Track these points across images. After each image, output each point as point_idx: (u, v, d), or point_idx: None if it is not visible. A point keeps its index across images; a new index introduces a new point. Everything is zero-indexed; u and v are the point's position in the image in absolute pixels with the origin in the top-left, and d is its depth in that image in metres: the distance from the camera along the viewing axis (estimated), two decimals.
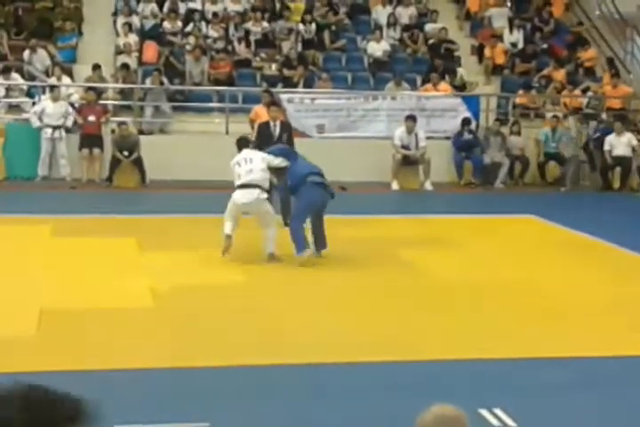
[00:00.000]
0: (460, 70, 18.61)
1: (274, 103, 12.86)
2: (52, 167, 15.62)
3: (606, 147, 16.75)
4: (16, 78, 16.52)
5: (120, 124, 15.80)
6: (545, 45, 20.12)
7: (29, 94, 16.60)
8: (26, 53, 17.21)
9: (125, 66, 17.18)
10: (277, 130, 12.38)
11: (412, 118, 15.95)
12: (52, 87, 16.01)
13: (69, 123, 15.60)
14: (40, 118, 15.43)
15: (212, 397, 5.95)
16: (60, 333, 7.15)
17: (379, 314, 7.93)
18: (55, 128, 15.41)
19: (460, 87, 18.27)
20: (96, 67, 16.92)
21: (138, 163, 15.38)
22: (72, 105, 16.26)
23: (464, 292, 8.79)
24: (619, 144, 16.66)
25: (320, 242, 10.09)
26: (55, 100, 15.60)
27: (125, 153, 15.32)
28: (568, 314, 8.15)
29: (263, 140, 11.96)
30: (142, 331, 7.29)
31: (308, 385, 6.24)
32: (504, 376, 6.49)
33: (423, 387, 6.19)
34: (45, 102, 15.64)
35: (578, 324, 7.84)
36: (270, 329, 7.37)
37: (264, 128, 12.47)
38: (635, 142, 16.74)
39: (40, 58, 17.29)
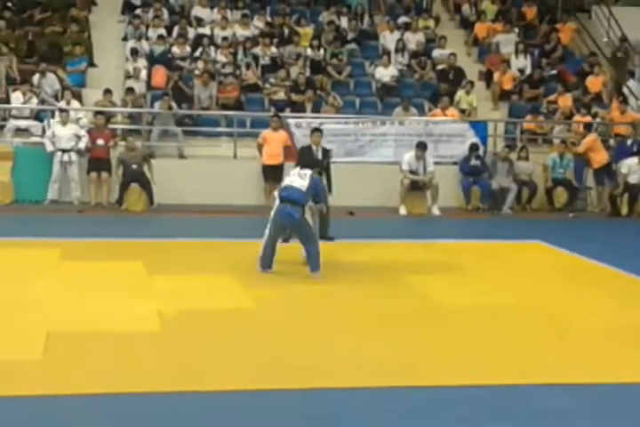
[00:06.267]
0: (459, 94, 18.65)
1: (317, 129, 13.35)
2: (60, 191, 15.67)
3: (624, 170, 16.67)
4: (18, 98, 16.60)
5: (125, 137, 15.91)
6: (554, 71, 20.19)
7: (38, 118, 16.67)
8: (35, 77, 17.33)
9: (131, 90, 17.28)
10: (319, 154, 12.80)
11: (422, 146, 15.94)
12: (61, 111, 16.09)
13: (82, 145, 15.63)
14: (53, 143, 15.51)
15: (217, 421, 5.91)
16: (66, 356, 7.11)
17: (385, 339, 7.88)
18: (65, 151, 15.47)
19: (463, 111, 18.33)
20: (107, 91, 17.02)
21: (146, 185, 15.37)
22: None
23: (471, 317, 8.74)
24: (636, 172, 16.58)
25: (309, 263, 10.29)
26: (64, 123, 15.67)
27: (134, 166, 15.33)
28: (576, 340, 8.09)
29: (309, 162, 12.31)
30: (149, 355, 7.24)
31: (315, 410, 6.19)
32: (510, 402, 6.43)
33: (429, 413, 6.15)
34: (55, 126, 15.73)
35: (586, 350, 7.77)
36: (277, 354, 7.32)
37: (307, 151, 12.86)
38: None
39: (49, 82, 17.40)
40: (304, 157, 12.64)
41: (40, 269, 10.21)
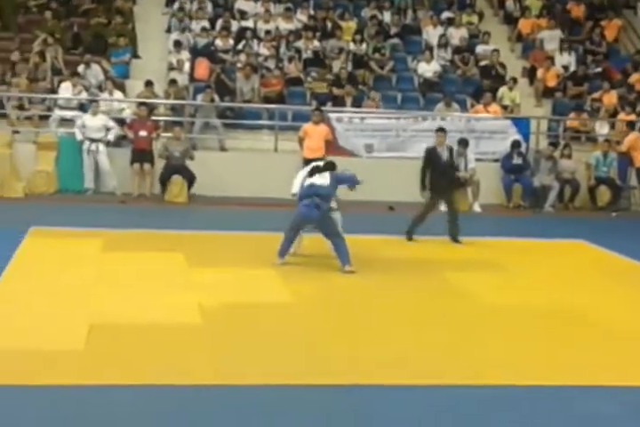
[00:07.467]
0: (502, 90, 18.51)
1: (441, 129, 13.10)
2: (99, 180, 15.82)
3: None
4: (67, 88, 16.76)
5: (174, 126, 16.07)
6: (599, 69, 19.97)
7: (83, 109, 16.80)
8: (80, 68, 17.45)
9: (174, 81, 17.36)
10: (445, 154, 12.62)
11: (464, 142, 15.83)
12: (92, 101, 16.21)
13: (111, 137, 15.80)
14: (83, 133, 15.68)
15: (257, 416, 5.93)
16: (108, 347, 7.17)
17: (426, 337, 7.87)
18: (93, 141, 15.60)
19: (505, 108, 18.21)
20: (149, 83, 17.10)
21: (188, 176, 15.45)
22: (123, 120, 16.46)
23: (512, 316, 8.70)
24: None
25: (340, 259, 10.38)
26: (95, 113, 15.80)
27: (177, 154, 15.42)
28: (619, 341, 8.01)
29: (433, 163, 12.52)
30: (190, 348, 7.29)
31: (352, 408, 6.17)
32: (551, 404, 6.38)
33: (468, 413, 6.13)
34: (85, 116, 15.89)
35: (629, 352, 7.69)
36: (317, 350, 7.33)
37: (432, 152, 12.68)
38: None
39: (94, 73, 17.53)
40: (431, 163, 12.55)
41: (83, 260, 10.30)
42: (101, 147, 15.69)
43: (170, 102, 17.26)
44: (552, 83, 19.47)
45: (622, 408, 6.37)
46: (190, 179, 15.46)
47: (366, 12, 20.93)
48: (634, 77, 19.65)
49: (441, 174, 12.53)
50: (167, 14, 20.33)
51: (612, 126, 18.29)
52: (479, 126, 17.23)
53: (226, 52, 18.93)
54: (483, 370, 7.02)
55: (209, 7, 20.45)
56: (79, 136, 15.71)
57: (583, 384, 6.78)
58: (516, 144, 16.74)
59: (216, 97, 17.13)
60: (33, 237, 11.35)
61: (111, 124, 15.93)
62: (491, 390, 6.57)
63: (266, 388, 6.42)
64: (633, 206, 17.06)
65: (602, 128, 18.37)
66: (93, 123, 15.74)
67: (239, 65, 18.38)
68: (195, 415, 5.88)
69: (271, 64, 18.64)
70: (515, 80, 18.76)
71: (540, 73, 19.58)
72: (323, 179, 10.51)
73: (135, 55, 19.04)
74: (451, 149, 12.85)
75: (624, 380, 6.93)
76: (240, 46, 19.01)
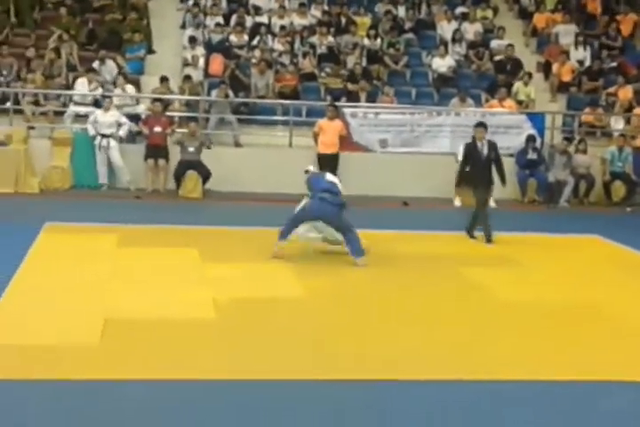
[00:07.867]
0: (517, 85, 18.46)
1: (481, 124, 12.96)
2: (113, 176, 15.88)
3: None
4: (83, 84, 16.81)
5: (188, 121, 16.06)
6: (614, 64, 19.89)
7: (98, 105, 16.84)
8: (95, 64, 17.50)
9: (188, 77, 17.39)
10: (485, 149, 12.51)
11: None
12: (106, 97, 16.25)
13: (122, 133, 15.85)
14: (95, 128, 15.74)
15: (270, 410, 5.95)
16: (122, 342, 7.21)
17: (438, 332, 7.88)
18: (104, 136, 15.65)
19: (520, 103, 18.15)
20: (164, 79, 17.14)
21: (203, 172, 15.47)
22: (138, 116, 16.50)
23: (527, 312, 8.70)
24: None
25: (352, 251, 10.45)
26: (107, 109, 15.85)
27: (191, 149, 15.44)
28: (631, 337, 7.99)
29: (473, 159, 12.47)
30: (204, 343, 7.32)
31: (363, 403, 6.18)
32: (564, 400, 6.38)
33: (480, 409, 6.13)
34: (97, 111, 15.95)
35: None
36: (330, 345, 7.35)
37: (472, 148, 12.60)
38: None
39: (109, 69, 17.57)
40: (470, 159, 12.52)
41: (98, 255, 10.34)
42: (113, 142, 15.74)
43: (184, 98, 17.29)
44: (567, 77, 19.41)
45: (635, 404, 6.37)
46: (206, 174, 15.48)
47: (380, 8, 20.91)
48: None
49: (482, 170, 12.45)
50: (182, 10, 20.37)
51: (628, 121, 18.22)
52: (494, 121, 17.10)
53: (240, 47, 18.95)
54: (495, 366, 7.03)
55: (223, 3, 20.49)
56: (92, 132, 15.78)
57: (596, 380, 6.78)
58: (530, 139, 16.69)
59: (230, 93, 17.16)
60: (48, 233, 11.40)
61: (123, 120, 15.96)
62: (503, 386, 6.58)
63: (274, 383, 6.44)
64: None
65: (617, 123, 18.30)
66: (105, 119, 15.79)
67: (254, 60, 18.39)
68: (204, 410, 5.92)
69: (285, 60, 18.66)
70: (530, 75, 18.70)
71: (555, 68, 19.53)
72: (338, 181, 10.79)
73: (150, 51, 19.09)
74: (490, 144, 12.67)
75: (638, 375, 6.92)
76: (254, 42, 19.02)
